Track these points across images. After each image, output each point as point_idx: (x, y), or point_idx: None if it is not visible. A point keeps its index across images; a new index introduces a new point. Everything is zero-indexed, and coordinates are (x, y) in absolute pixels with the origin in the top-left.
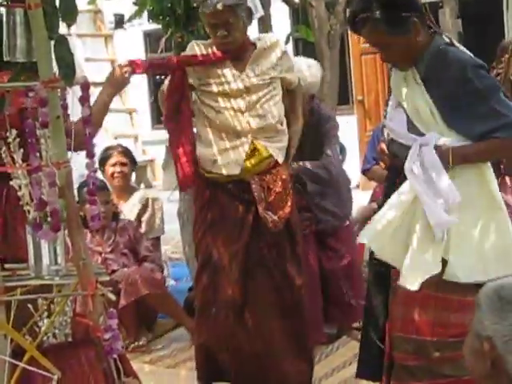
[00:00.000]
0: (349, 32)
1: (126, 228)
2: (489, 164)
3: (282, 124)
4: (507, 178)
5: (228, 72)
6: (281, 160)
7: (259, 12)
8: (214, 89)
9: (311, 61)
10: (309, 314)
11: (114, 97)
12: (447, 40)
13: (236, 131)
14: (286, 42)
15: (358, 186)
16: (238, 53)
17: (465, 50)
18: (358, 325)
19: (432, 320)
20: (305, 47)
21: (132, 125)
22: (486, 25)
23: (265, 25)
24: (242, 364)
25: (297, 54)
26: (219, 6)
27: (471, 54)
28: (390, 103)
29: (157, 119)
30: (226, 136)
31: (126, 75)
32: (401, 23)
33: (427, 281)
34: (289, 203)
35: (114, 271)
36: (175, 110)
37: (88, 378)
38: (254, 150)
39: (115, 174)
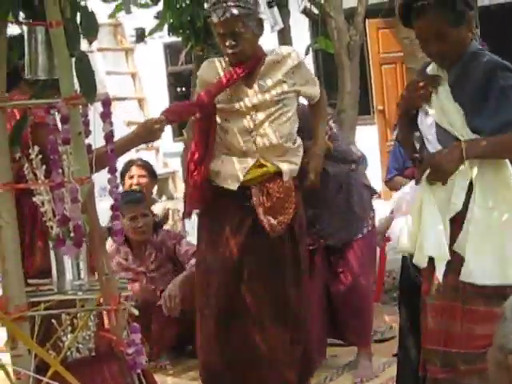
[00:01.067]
0: (368, 42)
1: (165, 241)
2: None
3: (293, 142)
4: None
5: (237, 88)
6: (286, 178)
7: (279, 24)
8: (224, 106)
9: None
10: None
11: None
12: (479, 46)
13: (242, 151)
14: (306, 53)
15: (379, 196)
16: (251, 65)
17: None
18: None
19: (459, 332)
20: (324, 58)
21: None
22: (508, 33)
23: (284, 36)
24: (234, 372)
25: (317, 65)
26: (227, 15)
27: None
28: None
29: (178, 131)
30: (233, 153)
31: (159, 132)
32: (463, 14)
33: (454, 293)
34: (291, 210)
35: (162, 291)
36: (206, 137)
37: None
38: (260, 165)
39: (133, 186)
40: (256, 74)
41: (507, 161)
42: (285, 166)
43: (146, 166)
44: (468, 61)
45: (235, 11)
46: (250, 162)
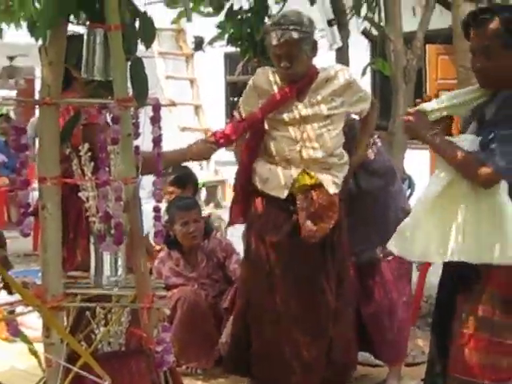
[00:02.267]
0: (427, 67)
1: (215, 250)
2: None
3: (339, 159)
4: None
5: (289, 101)
6: (332, 191)
7: (337, 43)
8: (274, 116)
9: None
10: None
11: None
12: None
13: (287, 159)
14: (363, 74)
15: None
16: (302, 84)
17: None
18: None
19: (484, 363)
20: (382, 80)
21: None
22: None
23: (342, 55)
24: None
25: (373, 86)
26: (287, 38)
27: None
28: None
29: None
30: (279, 161)
31: (211, 152)
32: None
33: (483, 323)
34: (332, 220)
35: (213, 297)
36: (255, 145)
37: None
38: (306, 175)
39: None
40: (307, 89)
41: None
42: (328, 177)
43: (177, 182)
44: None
45: (295, 35)
46: (295, 172)
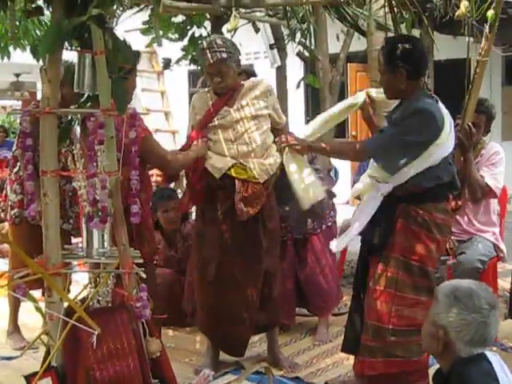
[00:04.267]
0: (348, 82)
1: (190, 233)
2: None
3: (268, 150)
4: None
5: (221, 109)
6: (262, 180)
7: (277, 63)
8: (213, 122)
9: None
10: (281, 298)
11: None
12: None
13: (226, 157)
14: (297, 87)
15: (348, 203)
16: (231, 94)
17: None
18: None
19: (390, 312)
20: (313, 91)
21: (174, 143)
22: (455, 83)
23: (281, 72)
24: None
25: (306, 96)
26: (218, 58)
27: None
28: None
29: None
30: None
31: (204, 145)
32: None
33: (390, 282)
34: (258, 206)
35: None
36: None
37: (121, 335)
38: (243, 167)
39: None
40: (236, 96)
41: None
42: (260, 167)
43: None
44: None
45: (224, 55)
46: (230, 161)
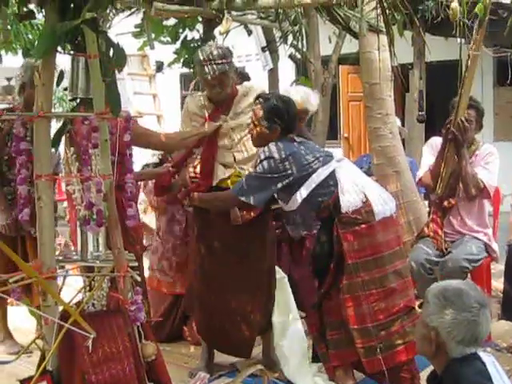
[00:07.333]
0: (340, 83)
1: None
2: None
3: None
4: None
5: (218, 117)
6: None
7: (269, 65)
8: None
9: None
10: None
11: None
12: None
13: (224, 164)
14: None
15: None
16: (227, 102)
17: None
18: None
19: (368, 312)
20: None
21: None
22: (447, 84)
23: (273, 75)
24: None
25: None
26: (216, 74)
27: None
28: None
29: None
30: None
31: (211, 127)
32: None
33: (354, 287)
34: (252, 213)
35: None
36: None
37: (116, 339)
38: (238, 176)
39: None
40: (231, 104)
41: None
42: None
43: None
44: None
45: (226, 67)
46: (228, 171)
